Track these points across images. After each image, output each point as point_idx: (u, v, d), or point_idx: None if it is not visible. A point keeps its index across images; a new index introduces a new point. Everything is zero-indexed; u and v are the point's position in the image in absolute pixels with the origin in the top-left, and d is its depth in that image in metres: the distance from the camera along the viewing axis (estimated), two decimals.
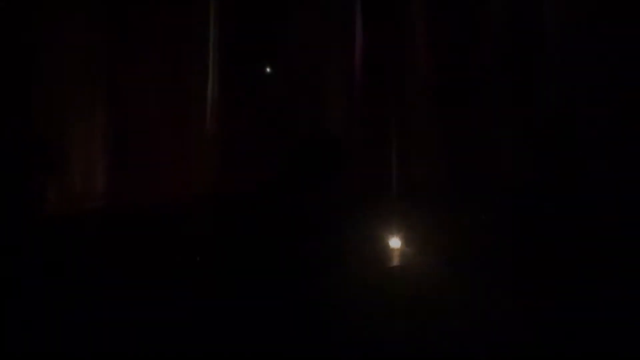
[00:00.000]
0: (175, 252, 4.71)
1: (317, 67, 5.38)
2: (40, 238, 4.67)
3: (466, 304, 4.22)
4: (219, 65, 5.28)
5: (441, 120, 5.39)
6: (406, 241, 4.91)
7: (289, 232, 4.83)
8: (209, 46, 5.26)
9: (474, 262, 4.65)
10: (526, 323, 4.08)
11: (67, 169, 4.99)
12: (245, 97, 5.31)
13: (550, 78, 5.36)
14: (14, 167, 4.80)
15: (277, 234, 4.83)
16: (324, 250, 4.69)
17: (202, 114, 5.28)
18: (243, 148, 5.23)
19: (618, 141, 5.20)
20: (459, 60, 5.36)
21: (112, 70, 5.08)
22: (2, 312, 4.08)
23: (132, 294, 4.28)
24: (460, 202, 5.14)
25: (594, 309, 4.18)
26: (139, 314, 4.13)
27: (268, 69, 5.38)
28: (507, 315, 4.14)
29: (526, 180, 5.25)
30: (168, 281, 4.44)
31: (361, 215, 4.96)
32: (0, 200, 4.71)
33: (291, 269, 4.56)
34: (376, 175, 5.27)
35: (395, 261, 4.80)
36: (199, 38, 5.25)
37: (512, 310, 4.17)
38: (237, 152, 5.24)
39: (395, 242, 4.91)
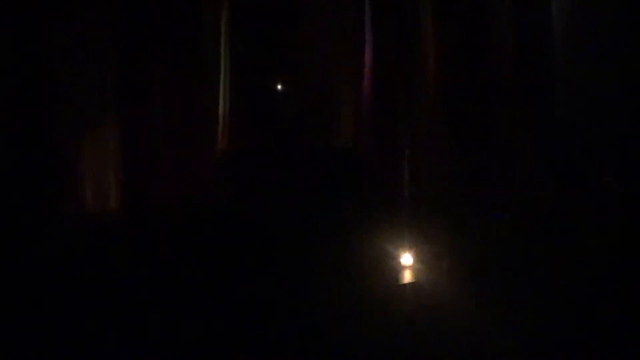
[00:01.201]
0: (185, 263, 4.72)
1: (328, 80, 5.38)
2: (53, 246, 4.70)
3: (480, 323, 4.18)
4: (230, 78, 5.28)
5: (454, 131, 5.38)
6: (419, 257, 4.88)
7: (299, 246, 4.83)
8: (220, 59, 5.26)
9: (488, 278, 4.61)
10: (543, 340, 4.05)
11: (78, 180, 5.01)
12: (256, 110, 5.31)
13: (563, 86, 5.34)
14: (26, 174, 4.84)
15: (287, 248, 4.82)
16: (334, 266, 4.68)
17: (214, 126, 5.29)
18: (255, 161, 5.24)
19: (633, 151, 5.18)
20: (470, 71, 5.35)
21: (123, 82, 5.10)
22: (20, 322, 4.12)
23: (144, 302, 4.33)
24: (474, 216, 5.12)
25: (611, 324, 4.15)
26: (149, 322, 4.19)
27: (279, 83, 5.37)
28: (523, 333, 4.10)
29: (541, 192, 5.22)
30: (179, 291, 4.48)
31: (373, 230, 4.94)
32: (13, 209, 4.77)
33: (301, 285, 4.55)
34: (388, 188, 5.26)
35: (407, 278, 4.79)
36: (210, 51, 5.26)
37: (528, 328, 4.14)
38: (249, 165, 5.24)
39: (407, 259, 4.89)
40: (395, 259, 4.86)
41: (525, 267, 4.71)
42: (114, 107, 5.07)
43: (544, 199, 5.18)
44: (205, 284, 4.63)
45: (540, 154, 5.32)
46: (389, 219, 4.99)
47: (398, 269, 4.82)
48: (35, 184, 4.86)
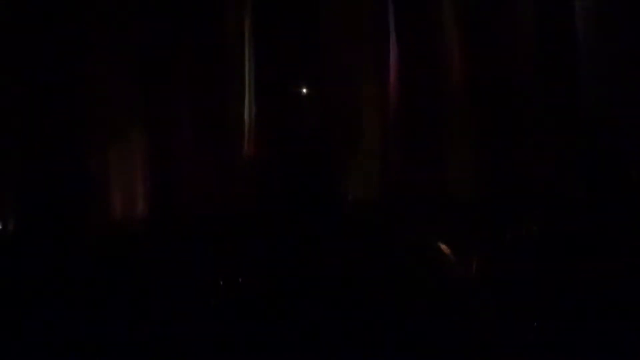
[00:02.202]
0: (214, 272, 4.72)
1: (354, 85, 5.38)
2: (82, 262, 4.72)
3: (507, 327, 4.14)
4: (255, 88, 5.30)
5: (480, 129, 5.35)
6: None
7: (327, 249, 4.80)
8: (245, 65, 5.28)
9: (516, 280, 4.56)
10: (573, 344, 4.00)
11: (104, 188, 5.03)
12: (282, 116, 5.32)
13: (589, 85, 5.31)
14: (54, 184, 4.87)
15: (313, 252, 4.80)
16: (365, 267, 4.65)
17: (240, 136, 5.30)
18: (280, 169, 5.24)
19: None
20: (495, 72, 5.33)
21: (148, 89, 5.13)
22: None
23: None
24: (501, 215, 5.06)
25: None
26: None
27: (305, 88, 5.38)
28: (556, 333, 4.05)
29: (569, 191, 5.18)
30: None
31: (404, 230, 4.92)
32: (43, 219, 4.80)
33: (340, 286, 4.53)
34: (415, 188, 5.24)
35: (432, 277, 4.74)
36: (234, 57, 5.28)
37: (561, 328, 4.09)
38: (274, 173, 5.24)
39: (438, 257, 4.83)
40: (425, 258, 4.83)
41: (556, 268, 4.66)
42: (139, 115, 5.11)
43: (575, 198, 5.12)
44: (236, 290, 4.64)
45: (570, 154, 5.28)
46: (418, 220, 4.97)
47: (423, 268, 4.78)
48: (63, 193, 4.90)
